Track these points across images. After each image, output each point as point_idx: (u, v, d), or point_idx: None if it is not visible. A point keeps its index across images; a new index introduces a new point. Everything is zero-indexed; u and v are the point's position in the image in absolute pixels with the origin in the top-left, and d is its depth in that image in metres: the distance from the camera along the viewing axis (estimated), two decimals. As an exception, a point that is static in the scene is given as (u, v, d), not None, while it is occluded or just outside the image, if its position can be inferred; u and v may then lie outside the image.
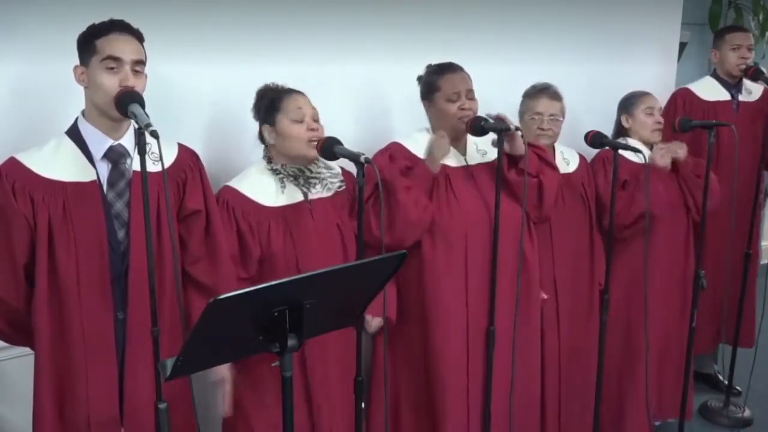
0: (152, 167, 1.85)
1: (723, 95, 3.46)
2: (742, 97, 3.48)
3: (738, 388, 3.55)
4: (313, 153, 2.18)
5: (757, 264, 3.56)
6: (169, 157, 1.97)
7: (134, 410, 1.91)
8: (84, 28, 1.86)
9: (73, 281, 1.83)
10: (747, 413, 3.46)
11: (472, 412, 2.51)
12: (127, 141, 1.91)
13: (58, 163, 1.85)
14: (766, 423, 3.45)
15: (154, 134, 1.63)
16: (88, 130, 1.88)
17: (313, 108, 2.22)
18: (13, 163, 1.84)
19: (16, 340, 1.97)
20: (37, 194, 1.81)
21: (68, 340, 1.85)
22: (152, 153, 1.85)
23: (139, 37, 1.87)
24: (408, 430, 2.58)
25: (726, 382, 3.54)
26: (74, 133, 1.89)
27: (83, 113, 1.91)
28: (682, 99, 3.46)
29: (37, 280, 1.83)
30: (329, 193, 2.28)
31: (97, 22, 1.85)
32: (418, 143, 2.50)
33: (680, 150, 2.92)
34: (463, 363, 2.47)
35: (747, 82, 3.46)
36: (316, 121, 2.21)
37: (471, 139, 2.55)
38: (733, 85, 3.47)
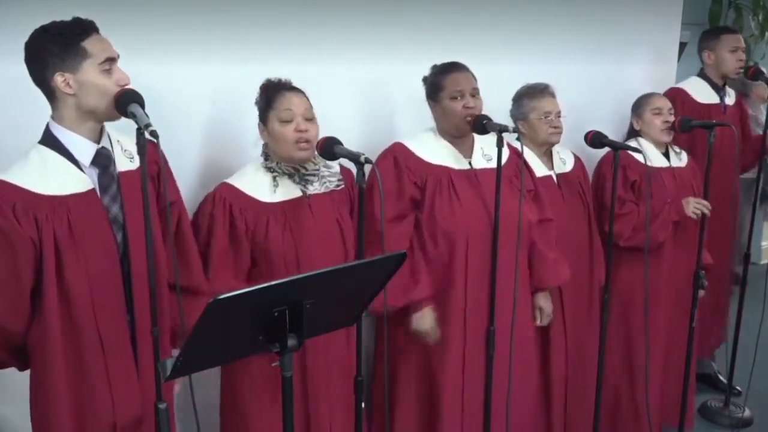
0: (129, 165, 1.85)
1: (713, 98, 3.52)
2: (727, 100, 3.54)
3: (738, 388, 3.56)
4: (301, 154, 2.16)
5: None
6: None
7: (148, 410, 1.87)
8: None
9: (85, 294, 1.76)
10: (747, 413, 3.46)
11: (468, 413, 2.50)
12: (106, 143, 1.84)
13: (50, 177, 1.74)
14: (766, 423, 3.46)
15: (154, 134, 1.60)
16: (68, 138, 1.77)
17: (306, 107, 2.17)
18: (3, 186, 1.72)
19: (7, 363, 1.87)
20: (40, 213, 1.71)
21: (85, 351, 1.78)
22: (125, 151, 1.85)
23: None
24: (406, 430, 2.57)
25: (726, 382, 3.55)
26: (52, 143, 1.77)
27: (54, 120, 1.78)
28: (681, 100, 3.47)
29: (46, 298, 1.74)
30: (326, 191, 2.26)
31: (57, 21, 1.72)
32: (421, 143, 2.50)
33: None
34: (460, 363, 2.48)
35: (727, 87, 3.54)
36: (309, 119, 2.16)
37: (477, 144, 2.55)
38: (720, 87, 3.52)
